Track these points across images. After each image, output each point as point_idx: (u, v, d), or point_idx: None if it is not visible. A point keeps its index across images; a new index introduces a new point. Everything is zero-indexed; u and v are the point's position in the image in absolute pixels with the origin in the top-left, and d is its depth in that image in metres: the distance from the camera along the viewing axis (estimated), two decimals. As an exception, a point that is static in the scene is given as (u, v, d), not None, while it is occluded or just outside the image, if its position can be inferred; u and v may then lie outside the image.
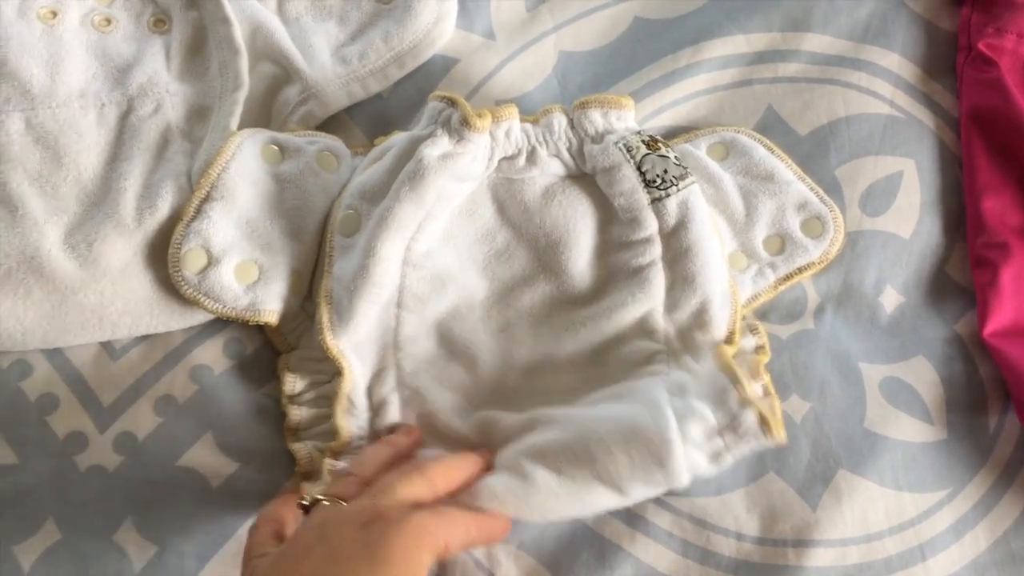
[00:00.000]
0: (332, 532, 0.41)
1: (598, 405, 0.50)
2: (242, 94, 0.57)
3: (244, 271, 0.53)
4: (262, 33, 0.59)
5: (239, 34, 0.58)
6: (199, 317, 0.55)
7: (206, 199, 0.53)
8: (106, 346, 0.55)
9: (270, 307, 0.53)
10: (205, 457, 0.53)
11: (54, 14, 0.58)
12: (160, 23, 0.60)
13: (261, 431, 0.54)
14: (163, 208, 0.54)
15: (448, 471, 0.47)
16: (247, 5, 0.59)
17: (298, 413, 0.53)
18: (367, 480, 0.46)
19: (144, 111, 0.56)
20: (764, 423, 0.47)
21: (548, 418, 0.50)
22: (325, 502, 0.44)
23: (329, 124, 0.60)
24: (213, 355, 0.55)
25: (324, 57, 0.59)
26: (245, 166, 0.54)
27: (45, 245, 0.52)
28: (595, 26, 0.64)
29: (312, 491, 0.46)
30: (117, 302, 0.53)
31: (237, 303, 0.53)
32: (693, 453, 0.47)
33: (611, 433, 0.47)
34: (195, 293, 0.53)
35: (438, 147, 0.52)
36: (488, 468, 0.49)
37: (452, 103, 0.53)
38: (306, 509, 0.44)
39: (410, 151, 0.53)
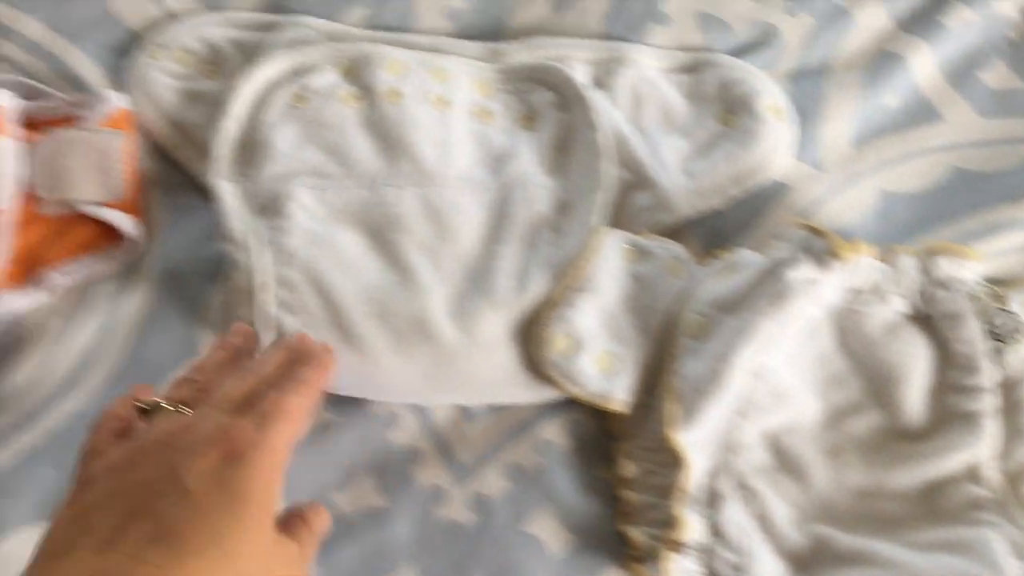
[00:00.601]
0: (183, 454, 0.40)
1: (933, 552, 0.53)
2: (603, 195, 0.61)
3: (603, 360, 0.57)
4: (621, 141, 0.64)
5: (604, 140, 0.63)
6: (549, 395, 0.59)
7: (575, 289, 0.58)
8: (463, 409, 0.60)
9: (620, 397, 0.57)
10: (545, 527, 0.57)
11: (445, 102, 0.64)
12: (529, 120, 0.65)
13: (594, 510, 0.58)
14: (533, 291, 0.59)
15: (267, 358, 0.48)
16: (608, 113, 0.65)
17: (632, 498, 0.56)
18: (206, 384, 0.46)
19: (517, 199, 0.62)
20: None
21: (883, 557, 0.52)
22: (166, 406, 0.44)
23: (669, 231, 0.64)
24: (557, 432, 0.59)
25: (672, 169, 0.64)
26: (609, 263, 0.59)
27: (432, 311, 0.58)
28: (916, 170, 0.67)
29: (148, 394, 0.46)
30: (485, 371, 0.58)
31: (593, 388, 0.57)
32: None
33: None
34: (557, 374, 0.57)
35: (802, 272, 0.56)
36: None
37: (817, 233, 0.57)
38: (144, 412, 0.45)
39: (771, 272, 0.57)
